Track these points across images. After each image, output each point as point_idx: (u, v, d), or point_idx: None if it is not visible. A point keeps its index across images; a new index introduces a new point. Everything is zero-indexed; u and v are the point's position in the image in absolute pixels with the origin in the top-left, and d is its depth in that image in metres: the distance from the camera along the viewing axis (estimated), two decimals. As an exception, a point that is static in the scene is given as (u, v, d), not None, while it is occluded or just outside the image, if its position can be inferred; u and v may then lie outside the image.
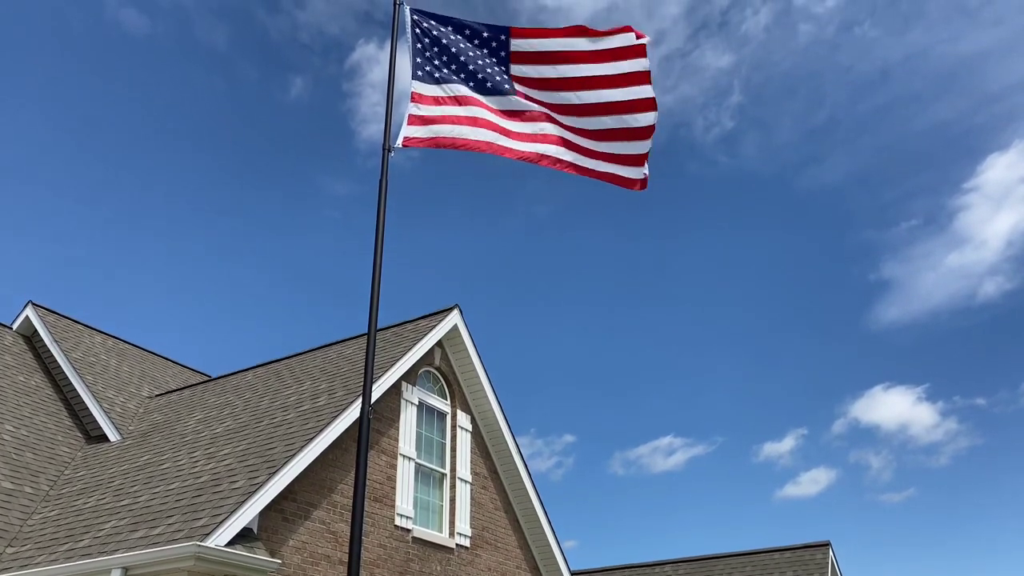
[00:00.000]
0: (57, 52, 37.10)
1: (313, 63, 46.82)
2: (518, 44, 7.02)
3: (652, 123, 6.86)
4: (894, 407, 44.74)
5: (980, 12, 42.07)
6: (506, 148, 6.87)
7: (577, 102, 6.91)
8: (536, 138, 6.91)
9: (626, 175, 6.91)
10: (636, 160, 6.91)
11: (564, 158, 6.91)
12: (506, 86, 6.97)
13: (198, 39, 41.76)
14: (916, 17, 43.28)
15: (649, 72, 6.88)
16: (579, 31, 6.99)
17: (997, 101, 41.97)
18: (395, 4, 7.15)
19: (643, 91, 6.87)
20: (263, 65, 44.56)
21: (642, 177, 6.92)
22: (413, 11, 7.21)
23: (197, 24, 41.94)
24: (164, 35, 40.61)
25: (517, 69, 6.98)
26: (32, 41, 36.06)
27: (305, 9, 45.66)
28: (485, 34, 7.06)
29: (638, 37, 6.89)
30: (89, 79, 38.09)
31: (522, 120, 6.94)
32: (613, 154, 6.90)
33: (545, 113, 6.96)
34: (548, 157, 6.88)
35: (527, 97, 7.01)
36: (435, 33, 7.11)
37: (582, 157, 6.92)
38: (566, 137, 6.93)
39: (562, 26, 7.08)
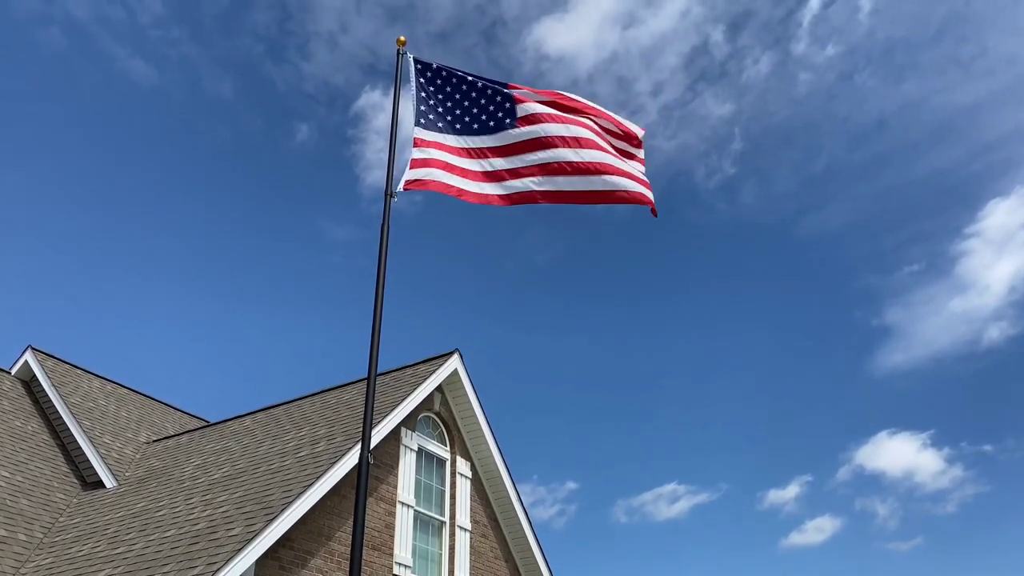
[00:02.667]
0: (66, 102, 37.60)
1: (318, 112, 47.44)
2: (519, 94, 7.13)
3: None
4: (899, 453, 44.27)
5: (973, 64, 42.73)
6: (502, 196, 6.93)
7: (582, 135, 6.96)
8: (534, 170, 6.93)
9: (641, 191, 6.85)
10: (644, 184, 6.93)
11: (570, 188, 6.90)
12: (508, 120, 7.06)
13: (205, 90, 42.38)
14: (911, 68, 43.95)
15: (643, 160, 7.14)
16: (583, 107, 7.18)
17: (993, 150, 42.40)
18: (398, 53, 7.30)
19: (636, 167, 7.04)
20: (268, 114, 45.15)
21: (652, 199, 6.88)
22: (416, 60, 7.38)
23: (204, 75, 42.59)
24: (171, 86, 41.23)
25: (521, 108, 7.07)
26: (41, 92, 36.57)
27: (310, 61, 46.39)
28: (485, 87, 7.18)
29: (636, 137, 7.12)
30: (97, 128, 38.54)
31: (524, 151, 6.98)
32: (627, 171, 6.88)
33: (550, 139, 6.97)
34: (548, 193, 6.90)
35: (531, 128, 7.07)
36: (438, 82, 7.26)
37: (593, 177, 6.87)
38: (574, 161, 6.91)
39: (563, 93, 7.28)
